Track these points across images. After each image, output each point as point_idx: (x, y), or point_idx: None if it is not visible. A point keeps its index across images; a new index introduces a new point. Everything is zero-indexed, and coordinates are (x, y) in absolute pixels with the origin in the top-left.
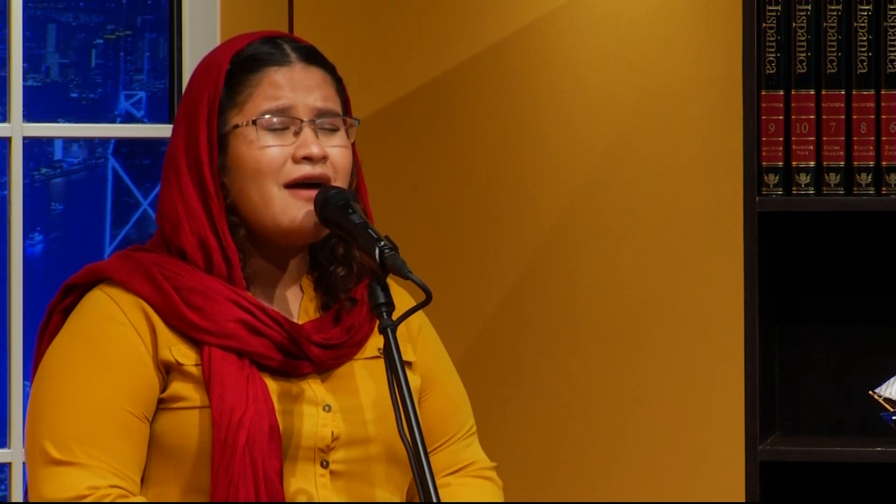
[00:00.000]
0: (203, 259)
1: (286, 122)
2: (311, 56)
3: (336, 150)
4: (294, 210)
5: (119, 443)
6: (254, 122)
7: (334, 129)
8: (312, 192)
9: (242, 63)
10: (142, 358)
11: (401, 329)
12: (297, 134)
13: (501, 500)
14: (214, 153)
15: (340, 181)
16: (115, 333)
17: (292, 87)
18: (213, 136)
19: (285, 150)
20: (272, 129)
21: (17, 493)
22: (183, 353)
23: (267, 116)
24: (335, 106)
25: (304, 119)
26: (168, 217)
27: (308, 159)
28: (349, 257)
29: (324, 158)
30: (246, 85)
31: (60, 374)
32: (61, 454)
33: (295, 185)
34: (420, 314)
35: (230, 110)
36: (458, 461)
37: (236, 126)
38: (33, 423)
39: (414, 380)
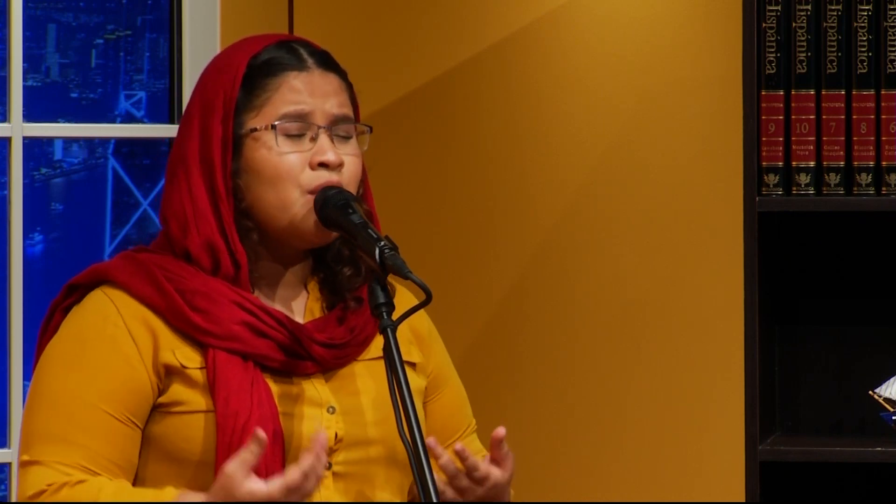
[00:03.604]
0: (210, 261)
1: (303, 127)
2: (328, 62)
3: (349, 159)
4: (311, 215)
5: (90, 440)
6: (273, 127)
7: (348, 137)
8: None
9: (260, 66)
10: (130, 361)
11: (406, 330)
12: (313, 140)
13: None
14: (228, 155)
15: (350, 188)
16: (106, 334)
17: (311, 92)
18: (227, 138)
19: (303, 156)
20: (290, 136)
21: (17, 493)
22: (186, 356)
23: (286, 122)
24: (349, 112)
25: (322, 125)
26: (175, 217)
27: (324, 166)
28: (356, 258)
29: (339, 165)
30: (264, 88)
31: (48, 373)
32: (29, 455)
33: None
34: (426, 315)
35: (246, 113)
36: None
37: (253, 129)
38: (22, 424)
39: (418, 381)
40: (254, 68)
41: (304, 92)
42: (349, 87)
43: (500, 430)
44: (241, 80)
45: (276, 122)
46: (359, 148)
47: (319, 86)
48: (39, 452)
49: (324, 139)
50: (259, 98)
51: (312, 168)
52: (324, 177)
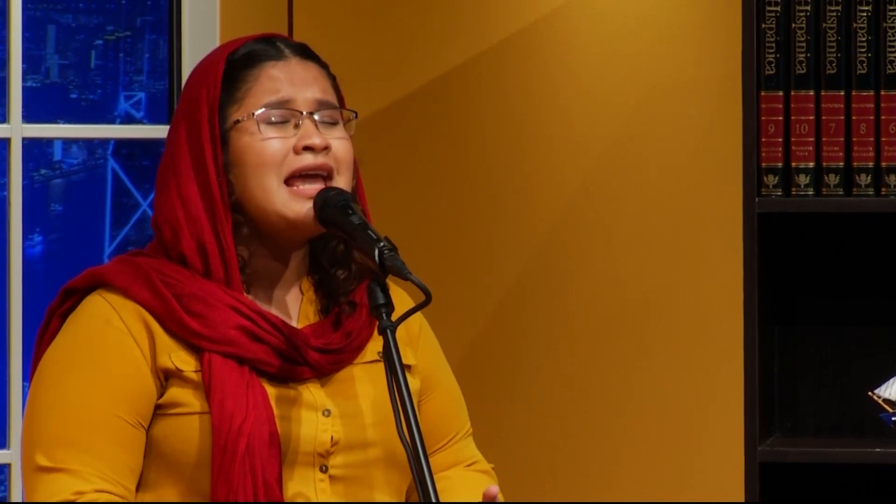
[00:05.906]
0: (201, 263)
1: (286, 114)
2: (306, 52)
3: (338, 142)
4: (296, 205)
5: (110, 448)
6: (254, 116)
7: (334, 123)
8: (313, 189)
9: (238, 61)
10: (138, 364)
11: (401, 331)
12: (297, 127)
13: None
14: (218, 150)
15: (343, 172)
16: (112, 339)
17: (290, 80)
18: (215, 134)
19: (287, 142)
20: (272, 123)
21: (16, 494)
22: (183, 360)
23: (267, 110)
24: (333, 99)
25: (304, 111)
26: (168, 221)
27: (310, 149)
28: (349, 258)
29: (325, 149)
30: (244, 81)
31: (54, 379)
32: (50, 461)
33: (297, 176)
34: (419, 315)
35: (229, 107)
36: (460, 459)
37: (237, 121)
38: (27, 428)
39: (413, 382)
40: (232, 63)
41: (284, 80)
42: (332, 77)
43: (493, 489)
44: (221, 76)
45: (258, 111)
46: (346, 133)
47: (298, 73)
48: (61, 459)
49: (308, 124)
50: (240, 91)
51: (297, 153)
52: (308, 159)
